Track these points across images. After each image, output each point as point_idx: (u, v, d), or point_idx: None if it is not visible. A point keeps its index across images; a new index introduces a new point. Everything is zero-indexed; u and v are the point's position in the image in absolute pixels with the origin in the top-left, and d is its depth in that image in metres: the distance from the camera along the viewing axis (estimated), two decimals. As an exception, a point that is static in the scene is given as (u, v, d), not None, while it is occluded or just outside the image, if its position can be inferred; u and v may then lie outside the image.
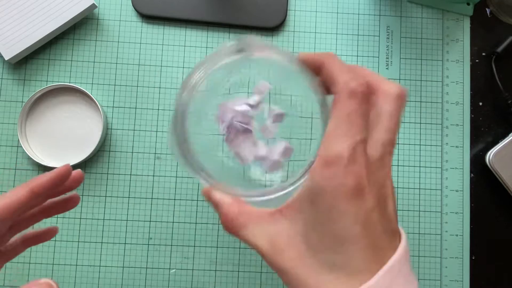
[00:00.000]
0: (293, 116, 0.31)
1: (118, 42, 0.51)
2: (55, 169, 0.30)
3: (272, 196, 0.27)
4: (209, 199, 0.27)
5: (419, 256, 0.50)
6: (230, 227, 0.25)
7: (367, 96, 0.23)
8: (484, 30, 0.53)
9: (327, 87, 0.25)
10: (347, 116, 0.22)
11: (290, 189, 0.27)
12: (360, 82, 0.23)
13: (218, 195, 0.26)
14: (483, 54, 0.53)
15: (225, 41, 0.31)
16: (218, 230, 0.49)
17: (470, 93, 0.52)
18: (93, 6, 0.49)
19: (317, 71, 0.26)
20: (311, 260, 0.23)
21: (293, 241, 0.23)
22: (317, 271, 0.22)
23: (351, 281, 0.22)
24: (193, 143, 0.27)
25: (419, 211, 0.50)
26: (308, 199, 0.23)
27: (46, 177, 0.29)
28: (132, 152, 0.50)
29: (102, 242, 0.49)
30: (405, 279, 0.22)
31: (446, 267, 0.50)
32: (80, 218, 0.49)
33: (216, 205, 0.26)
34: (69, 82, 0.50)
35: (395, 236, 0.24)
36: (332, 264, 0.22)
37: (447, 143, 0.51)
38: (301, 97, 0.30)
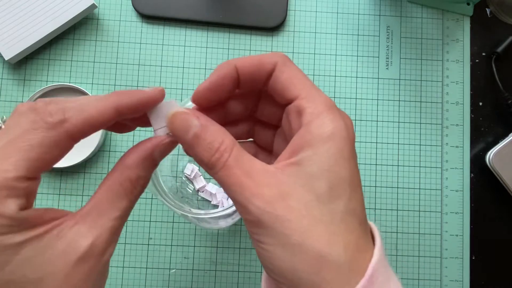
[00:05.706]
0: None
1: (118, 42, 0.51)
2: (147, 91, 0.26)
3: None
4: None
5: (419, 256, 0.50)
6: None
7: None
8: (484, 30, 0.53)
9: (279, 93, 0.25)
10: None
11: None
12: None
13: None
14: (483, 54, 0.53)
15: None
16: (218, 230, 0.49)
17: (470, 93, 0.52)
18: (93, 6, 0.49)
19: (261, 76, 0.25)
20: (319, 210, 0.21)
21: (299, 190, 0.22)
22: (327, 221, 0.21)
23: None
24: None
25: (419, 211, 0.50)
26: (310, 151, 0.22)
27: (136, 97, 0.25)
28: (132, 152, 0.50)
29: (102, 242, 0.49)
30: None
31: (446, 267, 0.50)
32: (80, 218, 0.49)
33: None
34: (69, 82, 0.50)
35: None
36: (344, 212, 0.21)
37: (447, 143, 0.51)
38: None
